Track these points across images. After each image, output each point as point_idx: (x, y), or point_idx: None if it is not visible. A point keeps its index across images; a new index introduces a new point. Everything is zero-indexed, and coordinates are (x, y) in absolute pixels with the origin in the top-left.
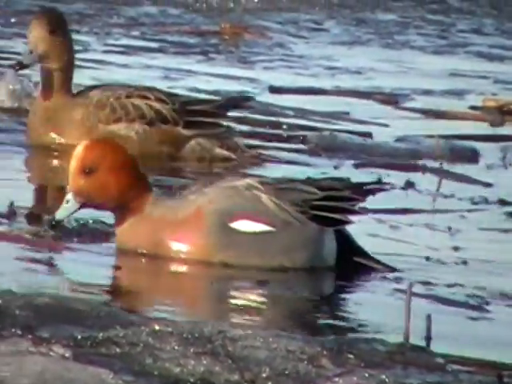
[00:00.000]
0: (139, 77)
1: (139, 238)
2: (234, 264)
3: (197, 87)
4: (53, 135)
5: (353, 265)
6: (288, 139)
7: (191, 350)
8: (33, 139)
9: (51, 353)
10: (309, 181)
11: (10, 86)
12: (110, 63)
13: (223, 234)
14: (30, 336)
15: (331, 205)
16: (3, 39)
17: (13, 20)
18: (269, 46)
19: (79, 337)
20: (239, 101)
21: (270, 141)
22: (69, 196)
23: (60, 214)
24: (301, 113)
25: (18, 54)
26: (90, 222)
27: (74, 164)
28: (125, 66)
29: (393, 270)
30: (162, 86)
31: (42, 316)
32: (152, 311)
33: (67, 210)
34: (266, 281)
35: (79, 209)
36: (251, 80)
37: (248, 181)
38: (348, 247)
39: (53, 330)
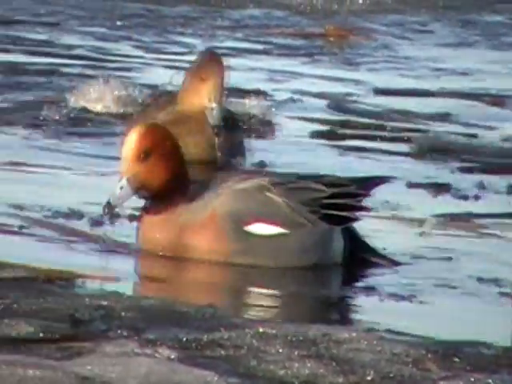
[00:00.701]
0: (244, 79)
1: (162, 237)
2: (254, 266)
3: (301, 89)
4: None
5: (360, 261)
6: (392, 140)
7: (296, 353)
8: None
9: (157, 355)
10: (316, 177)
11: (116, 92)
12: None
13: (239, 237)
14: (136, 338)
15: (340, 202)
16: (109, 42)
17: (119, 23)
18: (374, 48)
19: (184, 339)
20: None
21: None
22: (123, 182)
23: (115, 200)
24: (405, 115)
25: (125, 56)
26: None
27: (128, 150)
28: (229, 67)
29: (398, 264)
30: (267, 87)
31: (148, 318)
32: (255, 313)
33: (122, 196)
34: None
35: (133, 195)
36: (356, 82)
37: (259, 181)
38: (354, 244)
39: (159, 331)
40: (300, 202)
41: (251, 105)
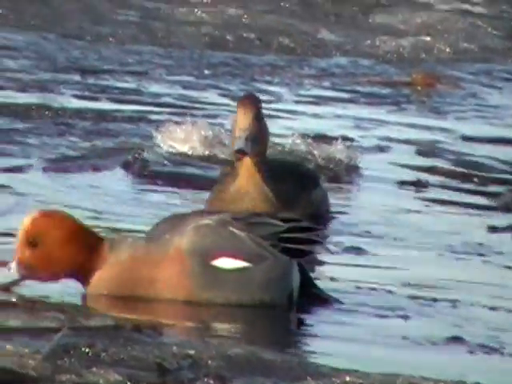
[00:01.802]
0: (330, 126)
1: (114, 284)
2: (218, 302)
3: (388, 136)
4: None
5: (311, 296)
6: (478, 194)
7: None
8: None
9: None
10: (270, 214)
11: (202, 133)
12: (301, 113)
13: (206, 272)
14: None
15: (297, 236)
16: (196, 90)
17: (206, 72)
18: (461, 96)
19: None
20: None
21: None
22: (12, 264)
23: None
24: (493, 164)
25: (211, 104)
26: None
27: (21, 234)
28: (316, 115)
29: (340, 302)
30: (353, 135)
31: (234, 366)
32: (341, 361)
33: (9, 277)
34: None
35: (21, 280)
36: (443, 130)
37: (221, 217)
38: (306, 279)
39: (245, 380)
40: (260, 235)
41: (338, 149)
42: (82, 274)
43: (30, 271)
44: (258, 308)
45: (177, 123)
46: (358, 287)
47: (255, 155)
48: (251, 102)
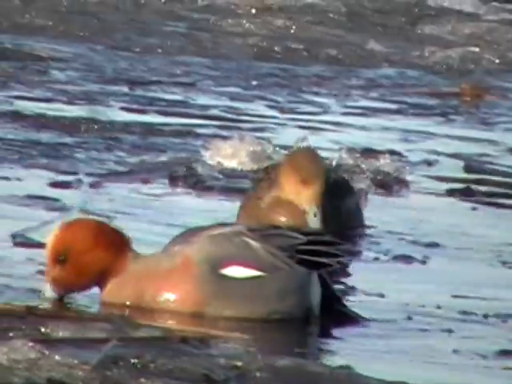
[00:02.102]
0: (378, 139)
1: (125, 294)
2: (228, 313)
3: (436, 149)
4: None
5: (334, 310)
6: None
7: None
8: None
9: None
10: (291, 227)
11: (250, 148)
12: (349, 125)
13: (215, 281)
14: None
15: (316, 249)
16: (244, 102)
17: (254, 83)
18: (510, 108)
19: None
20: None
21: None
22: (46, 287)
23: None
24: None
25: (259, 116)
26: None
27: (47, 252)
28: (363, 128)
29: (365, 319)
30: (401, 147)
31: (282, 378)
32: (388, 374)
33: (47, 298)
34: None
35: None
36: (491, 142)
37: (235, 227)
38: (328, 292)
39: None
40: (276, 246)
41: (385, 163)
42: (104, 279)
43: (64, 288)
44: (300, 320)
45: (224, 139)
46: (406, 302)
47: None
48: (323, 170)
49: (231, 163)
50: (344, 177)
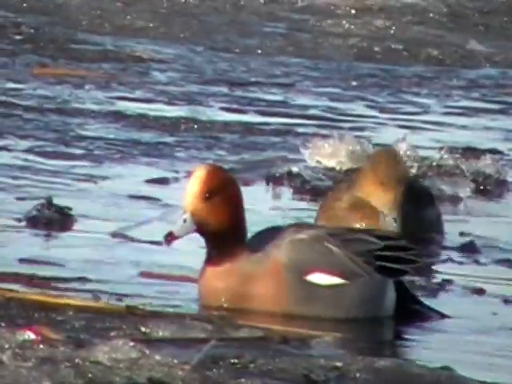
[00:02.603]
0: (479, 139)
1: (224, 288)
2: (311, 316)
3: None
4: None
5: (410, 313)
6: None
7: None
8: None
9: None
10: (367, 230)
11: (350, 148)
12: (449, 125)
13: (300, 287)
14: None
15: (393, 255)
16: (343, 102)
17: (353, 83)
18: None
19: None
20: None
21: None
22: (186, 215)
23: (179, 231)
24: None
25: (359, 116)
26: None
27: (195, 186)
28: (465, 127)
29: (446, 316)
30: (503, 147)
31: (382, 379)
32: (488, 375)
33: (185, 228)
34: None
35: (193, 230)
36: None
37: (317, 232)
38: (404, 295)
39: None
40: (355, 252)
41: (486, 164)
42: (220, 252)
43: (202, 222)
44: (405, 322)
45: (324, 137)
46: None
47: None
48: (404, 174)
49: (330, 162)
50: (426, 186)
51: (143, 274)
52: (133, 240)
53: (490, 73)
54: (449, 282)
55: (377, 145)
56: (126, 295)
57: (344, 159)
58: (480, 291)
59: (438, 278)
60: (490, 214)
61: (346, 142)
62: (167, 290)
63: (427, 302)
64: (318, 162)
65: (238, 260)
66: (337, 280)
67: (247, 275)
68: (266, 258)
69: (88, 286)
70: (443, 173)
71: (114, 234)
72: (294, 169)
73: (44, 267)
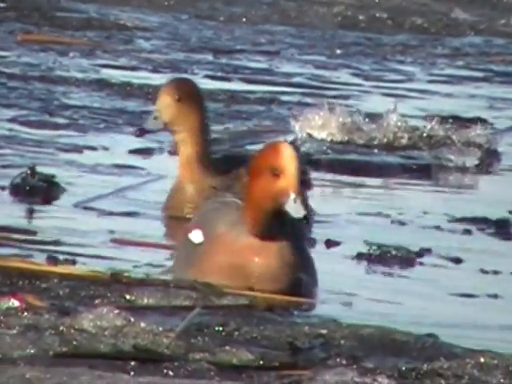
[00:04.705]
0: (463, 106)
1: None
2: None
3: None
4: None
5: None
6: None
7: None
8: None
9: (376, 383)
10: None
11: (341, 119)
12: (434, 93)
13: None
14: (355, 366)
15: None
16: (329, 70)
17: (338, 51)
18: None
19: (404, 368)
20: None
21: None
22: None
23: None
24: None
25: (343, 83)
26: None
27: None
28: (449, 95)
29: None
30: (488, 115)
31: (367, 346)
32: (474, 343)
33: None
34: None
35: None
36: None
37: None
38: None
39: (378, 360)
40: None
41: (476, 134)
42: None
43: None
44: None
45: (312, 107)
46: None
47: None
48: (173, 84)
49: (321, 134)
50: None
51: (115, 241)
52: (105, 211)
53: (475, 41)
54: (428, 250)
55: (367, 115)
56: (96, 257)
57: (335, 131)
58: (457, 260)
59: (416, 247)
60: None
61: (336, 114)
62: (138, 256)
63: (406, 271)
64: (308, 134)
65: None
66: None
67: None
68: None
69: (58, 249)
70: (434, 143)
71: (77, 205)
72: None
73: (18, 233)
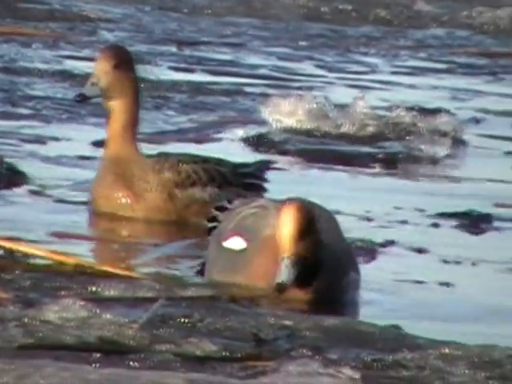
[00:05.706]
0: (426, 97)
1: None
2: None
3: (486, 108)
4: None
5: None
6: None
7: (481, 375)
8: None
9: (340, 374)
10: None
11: (307, 106)
12: (397, 84)
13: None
14: (319, 357)
15: None
16: (293, 61)
17: (302, 43)
18: None
19: (368, 359)
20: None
21: None
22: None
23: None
24: None
25: (308, 75)
26: None
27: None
28: (412, 86)
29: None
30: (450, 106)
31: (331, 338)
32: (438, 334)
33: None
34: None
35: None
36: None
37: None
38: None
39: (341, 351)
40: None
41: (442, 121)
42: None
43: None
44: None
45: (283, 97)
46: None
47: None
48: (110, 50)
49: (290, 121)
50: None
51: (55, 234)
52: (53, 200)
53: (437, 33)
54: (392, 242)
55: (335, 105)
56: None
57: (303, 117)
58: (421, 251)
59: (381, 239)
60: (447, 171)
61: (304, 101)
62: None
63: (370, 264)
64: (277, 121)
65: None
66: None
67: None
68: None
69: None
70: (400, 131)
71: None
72: (263, 130)
73: None
